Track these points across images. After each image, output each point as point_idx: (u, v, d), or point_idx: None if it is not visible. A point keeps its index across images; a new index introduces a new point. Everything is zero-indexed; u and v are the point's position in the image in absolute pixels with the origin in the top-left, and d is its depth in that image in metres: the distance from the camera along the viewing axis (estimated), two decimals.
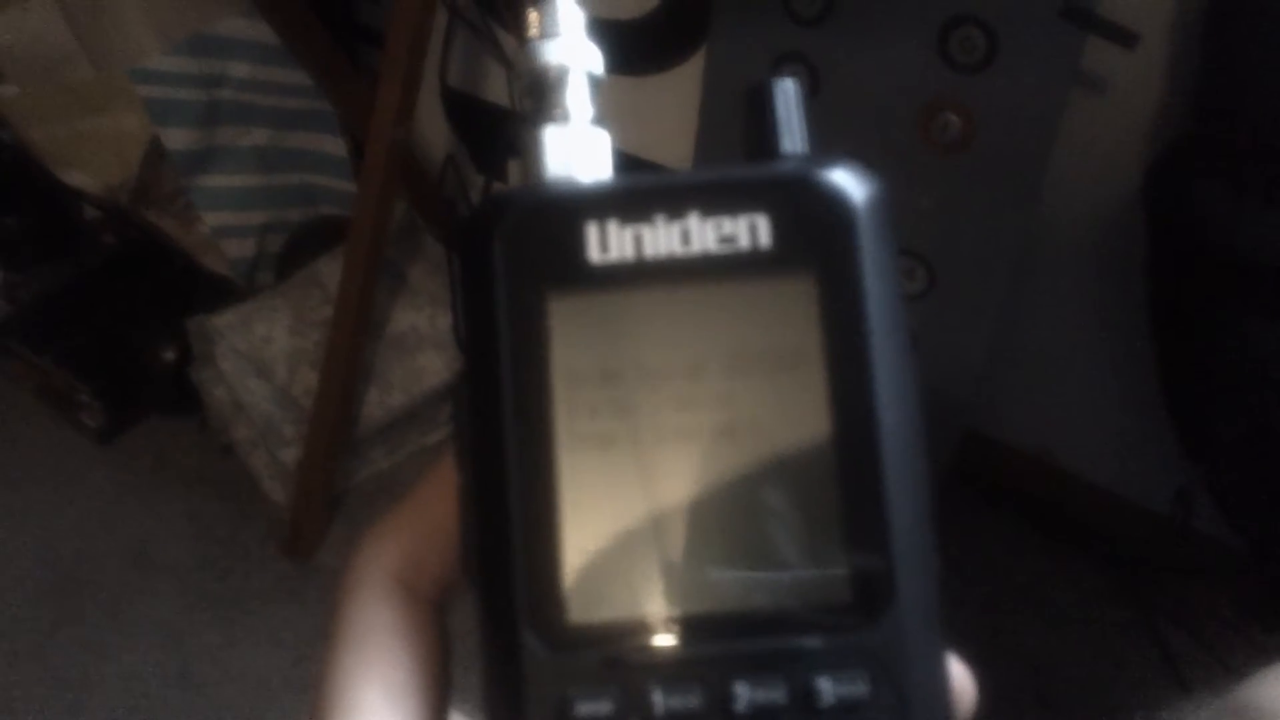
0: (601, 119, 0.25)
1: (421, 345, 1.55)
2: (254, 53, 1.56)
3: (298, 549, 1.46)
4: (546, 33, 0.25)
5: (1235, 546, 1.12)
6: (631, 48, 1.34)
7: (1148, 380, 1.11)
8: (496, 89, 1.57)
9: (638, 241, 0.22)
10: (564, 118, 0.24)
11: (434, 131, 1.67)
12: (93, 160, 1.57)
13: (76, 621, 1.41)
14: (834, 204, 0.22)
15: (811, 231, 0.22)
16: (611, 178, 0.24)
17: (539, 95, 0.25)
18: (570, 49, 0.25)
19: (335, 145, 1.67)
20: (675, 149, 1.33)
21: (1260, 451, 1.01)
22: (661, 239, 0.22)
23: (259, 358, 1.49)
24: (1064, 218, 1.16)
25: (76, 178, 1.58)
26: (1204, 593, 1.27)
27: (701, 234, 0.22)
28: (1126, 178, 1.07)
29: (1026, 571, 1.36)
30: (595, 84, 0.25)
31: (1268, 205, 0.92)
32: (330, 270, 1.52)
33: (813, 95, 1.09)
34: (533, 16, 0.25)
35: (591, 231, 0.22)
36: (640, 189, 0.23)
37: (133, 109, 1.52)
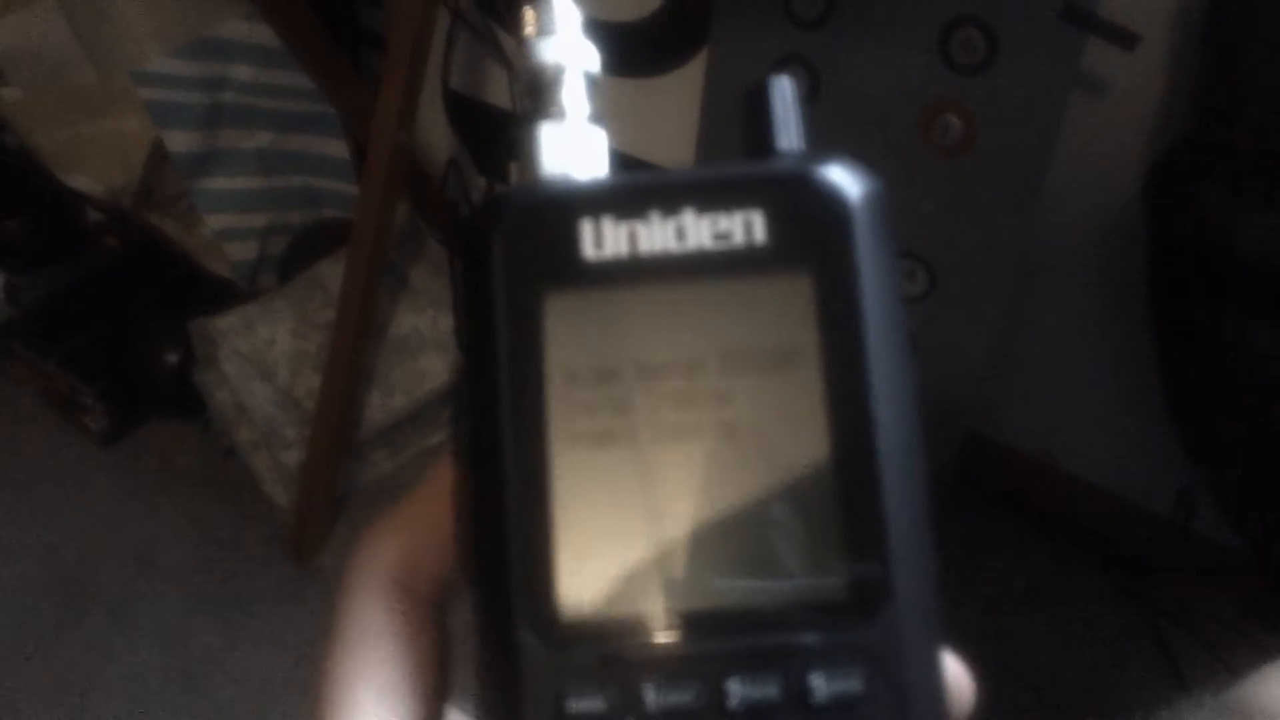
0: (598, 117, 0.25)
1: (424, 347, 1.55)
2: (256, 56, 1.56)
3: (300, 551, 1.47)
4: (543, 31, 0.25)
5: (1236, 547, 1.12)
6: (633, 50, 1.34)
7: (1148, 381, 1.11)
8: (499, 92, 1.57)
9: (633, 238, 0.22)
10: (560, 115, 0.24)
11: (436, 134, 1.68)
12: (95, 163, 1.58)
13: (79, 623, 1.41)
14: (830, 201, 0.22)
15: (807, 228, 0.22)
16: (607, 175, 0.24)
17: (535, 93, 0.25)
18: (566, 47, 0.25)
19: (337, 148, 1.67)
20: (677, 151, 1.34)
21: (1261, 451, 1.01)
22: (657, 236, 0.22)
23: (261, 360, 1.49)
24: (1065, 219, 1.16)
25: (79, 181, 1.59)
26: (1205, 593, 1.27)
27: (697, 231, 0.22)
28: (1127, 179, 1.07)
29: (1027, 573, 1.36)
30: (592, 82, 0.25)
31: (1268, 207, 0.92)
32: (332, 273, 1.52)
33: (813, 97, 1.10)
34: (529, 15, 0.25)
35: (587, 229, 0.22)
36: (635, 186, 0.23)
37: (135, 112, 1.53)
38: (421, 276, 1.60)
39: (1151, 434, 1.17)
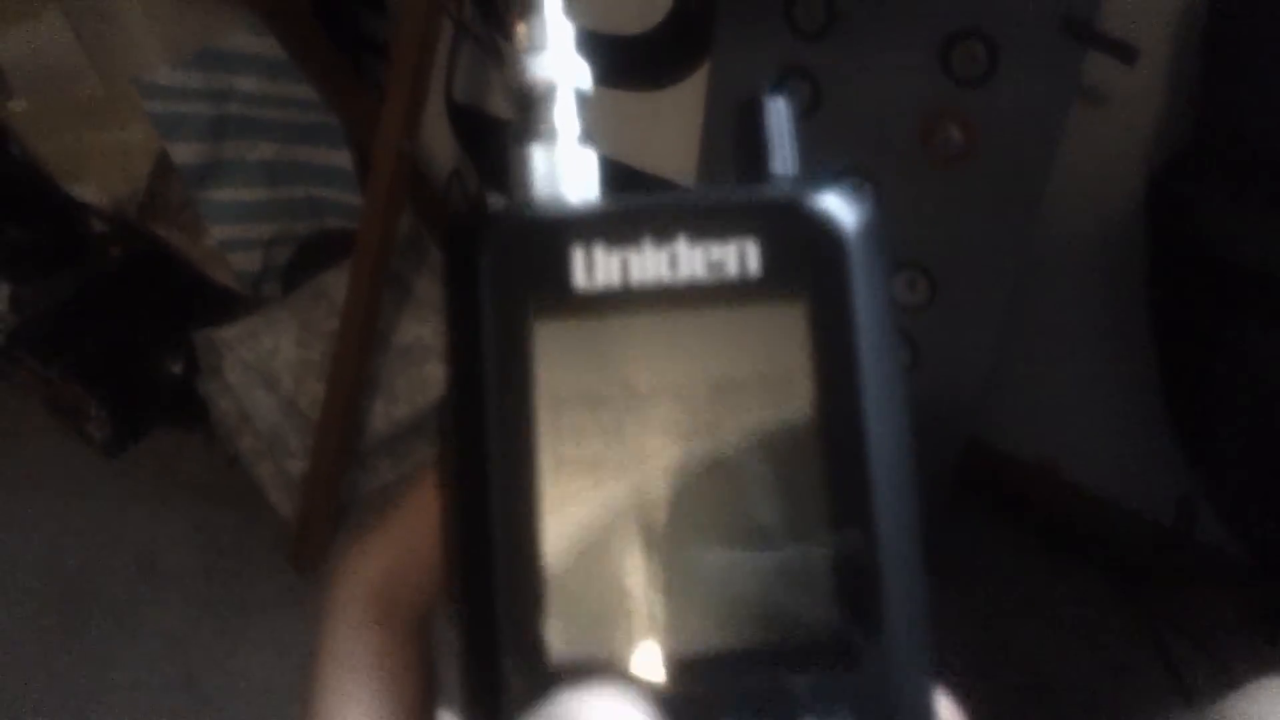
0: (590, 136, 0.24)
1: (427, 356, 1.56)
2: (261, 67, 1.57)
3: (303, 559, 1.47)
4: (534, 46, 0.25)
5: (1237, 555, 1.13)
6: (637, 63, 1.35)
7: (1150, 390, 1.12)
8: (501, 103, 1.58)
9: (624, 266, 0.22)
10: (551, 135, 0.24)
11: (440, 145, 1.69)
12: (100, 173, 1.59)
13: (83, 631, 1.42)
14: (824, 230, 0.22)
15: (802, 258, 0.22)
16: (598, 199, 0.24)
17: (526, 111, 0.24)
18: (558, 64, 0.24)
19: (341, 159, 1.68)
20: (680, 163, 1.34)
21: (1262, 460, 1.01)
22: (649, 264, 0.22)
23: (265, 369, 1.50)
24: (1066, 229, 1.17)
25: (84, 190, 1.59)
26: (1208, 601, 1.27)
27: (690, 260, 0.22)
28: (1128, 188, 1.08)
29: (1029, 580, 1.36)
30: (583, 100, 0.25)
31: (1270, 214, 0.93)
32: (337, 282, 1.53)
33: (815, 108, 1.10)
34: (520, 29, 0.25)
35: (578, 255, 0.22)
36: (627, 212, 0.22)
37: (140, 123, 1.53)
38: (425, 285, 1.61)
39: (1153, 442, 1.17)
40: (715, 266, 0.22)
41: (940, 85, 1.04)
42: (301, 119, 1.63)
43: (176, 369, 1.60)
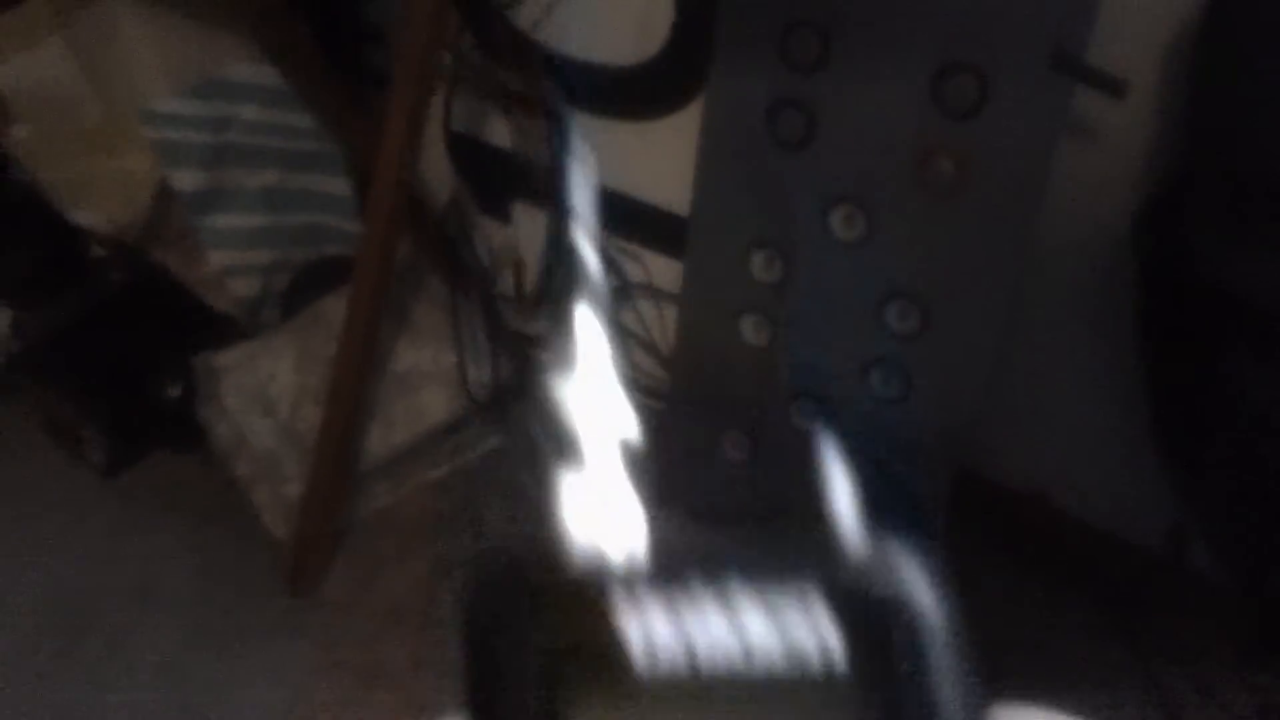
0: (636, 476, 0.22)
1: (424, 383, 1.56)
2: (262, 96, 1.58)
3: (300, 583, 1.47)
4: (577, 382, 0.23)
5: (1227, 582, 1.13)
6: (633, 94, 1.36)
7: (1140, 419, 1.12)
8: (499, 132, 1.59)
9: (688, 646, 0.18)
10: (587, 472, 0.21)
11: (437, 175, 1.70)
12: (102, 200, 1.59)
13: (78, 655, 1.41)
14: (903, 621, 0.20)
15: (876, 651, 0.20)
16: (647, 553, 0.20)
17: (562, 445, 0.22)
18: (598, 402, 0.22)
19: (341, 186, 1.69)
20: (675, 193, 1.35)
21: (1252, 488, 1.02)
22: (717, 647, 0.18)
23: (263, 394, 1.50)
24: (1058, 259, 1.18)
25: (85, 217, 1.60)
26: (1197, 628, 1.27)
27: (765, 647, 0.19)
28: (1119, 219, 1.09)
29: (1022, 611, 1.36)
30: (627, 448, 0.22)
31: (1261, 243, 0.93)
32: (335, 308, 1.54)
33: (809, 140, 1.12)
34: (570, 354, 0.23)
35: (631, 627, 0.18)
36: (680, 572, 0.19)
37: (142, 151, 1.54)
38: (422, 312, 1.62)
39: (1145, 473, 1.18)
40: (794, 658, 0.19)
41: (932, 118, 1.06)
42: (301, 147, 1.64)
43: (175, 393, 1.61)
